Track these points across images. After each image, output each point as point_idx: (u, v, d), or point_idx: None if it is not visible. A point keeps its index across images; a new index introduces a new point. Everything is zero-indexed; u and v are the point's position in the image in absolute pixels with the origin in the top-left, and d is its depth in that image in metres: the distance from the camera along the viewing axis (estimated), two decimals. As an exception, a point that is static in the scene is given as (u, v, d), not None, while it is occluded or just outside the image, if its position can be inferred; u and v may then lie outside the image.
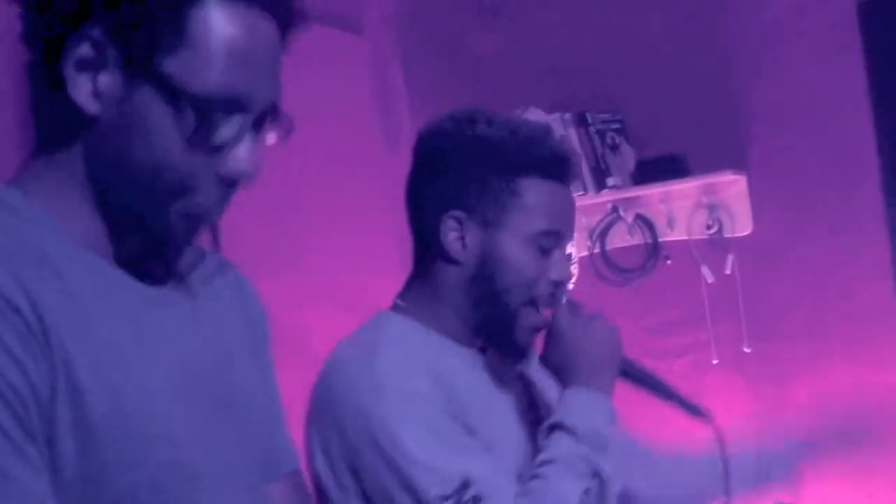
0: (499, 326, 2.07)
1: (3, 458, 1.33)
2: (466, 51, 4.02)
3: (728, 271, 3.79)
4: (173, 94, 1.41)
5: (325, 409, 2.04)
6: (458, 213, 2.06)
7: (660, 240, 3.90)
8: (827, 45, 3.65)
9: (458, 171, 2.08)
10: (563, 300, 2.07)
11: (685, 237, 3.87)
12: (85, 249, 1.46)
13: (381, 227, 4.02)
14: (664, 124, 3.80)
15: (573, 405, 2.01)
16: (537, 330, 2.07)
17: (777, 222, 3.75)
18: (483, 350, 2.11)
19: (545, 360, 2.09)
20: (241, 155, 1.45)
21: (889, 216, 3.50)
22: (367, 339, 2.11)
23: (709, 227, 3.81)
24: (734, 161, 3.75)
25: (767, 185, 3.75)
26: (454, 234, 2.06)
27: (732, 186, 3.79)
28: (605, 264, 3.96)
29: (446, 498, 1.91)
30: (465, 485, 1.92)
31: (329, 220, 3.71)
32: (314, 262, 3.64)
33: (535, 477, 1.98)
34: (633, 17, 3.87)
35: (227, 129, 1.44)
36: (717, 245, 3.81)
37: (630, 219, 3.90)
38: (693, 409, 2.18)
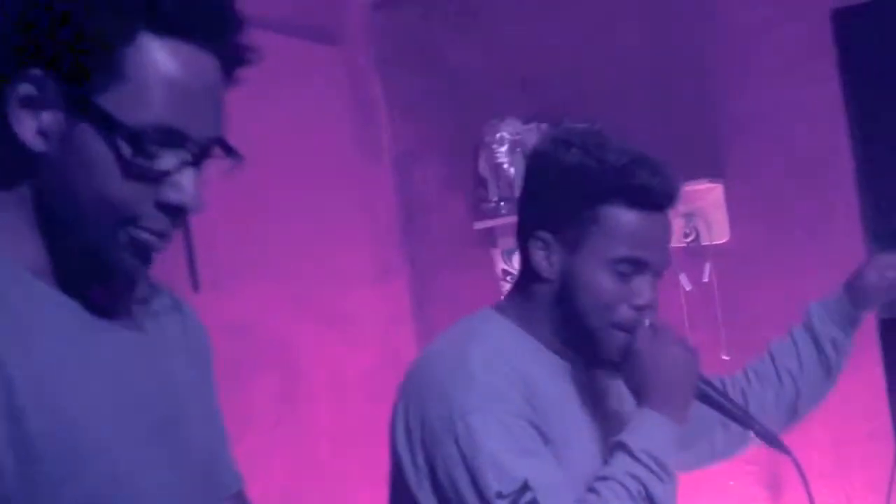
0: (584, 344, 2.15)
1: None
2: (443, 63, 4.05)
3: (706, 279, 3.81)
4: (110, 129, 1.45)
5: (414, 390, 2.14)
6: (545, 234, 2.13)
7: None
8: (802, 53, 3.66)
9: (548, 193, 2.17)
10: (647, 323, 2.11)
11: None
12: (33, 277, 1.50)
13: (358, 239, 4.03)
14: (641, 133, 3.79)
15: (638, 426, 2.07)
16: (623, 350, 2.11)
17: (754, 230, 3.76)
18: (573, 361, 2.17)
19: (626, 379, 2.14)
20: (179, 185, 1.48)
21: (864, 222, 3.51)
22: (465, 331, 2.21)
23: (686, 236, 3.81)
24: (710, 169, 3.77)
25: (744, 193, 3.76)
26: (542, 254, 2.14)
27: (709, 194, 3.80)
28: None
29: (504, 496, 1.98)
30: (525, 487, 1.99)
31: (307, 233, 3.72)
32: (292, 275, 3.64)
33: (590, 491, 2.04)
34: (608, 26, 3.90)
35: (165, 161, 1.47)
36: (694, 253, 3.81)
37: None
38: (770, 439, 2.22)
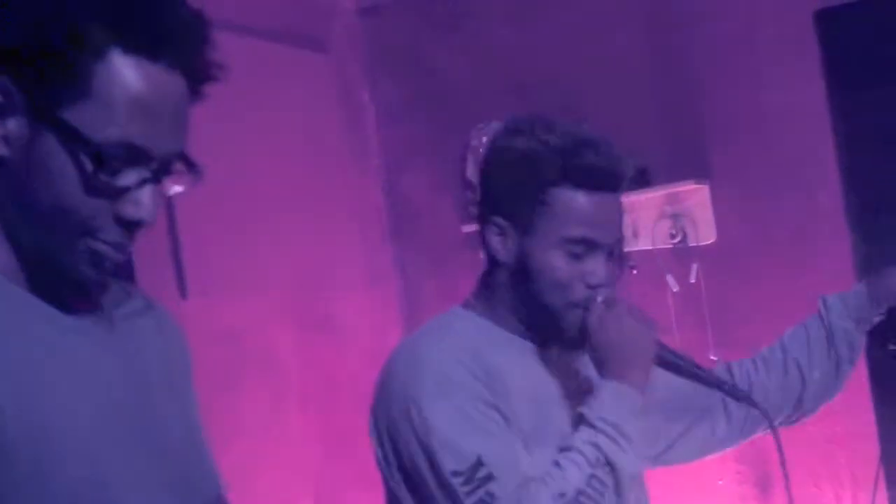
0: (545, 324, 2.21)
1: None
2: (431, 68, 4.06)
3: (693, 280, 3.82)
4: (73, 142, 1.47)
5: (379, 389, 2.23)
6: (499, 219, 2.19)
7: (625, 250, 3.86)
8: (786, 54, 3.69)
9: (501, 180, 2.23)
10: (599, 299, 2.15)
11: (650, 247, 3.89)
12: (3, 279, 1.53)
13: (348, 244, 4.05)
14: (626, 135, 3.81)
15: (597, 396, 2.14)
16: (581, 327, 2.17)
17: (740, 230, 3.78)
18: (538, 342, 2.23)
19: (589, 355, 2.20)
20: (138, 201, 1.51)
21: (849, 222, 3.54)
22: (425, 328, 2.30)
23: (673, 237, 3.84)
24: (696, 170, 3.79)
25: (730, 194, 3.78)
26: (497, 239, 2.20)
27: (695, 195, 3.82)
28: None
29: (460, 474, 2.07)
30: (478, 464, 2.07)
31: (296, 239, 3.73)
32: (281, 282, 3.66)
33: (553, 464, 2.11)
34: (595, 31, 3.91)
35: (126, 177, 1.50)
36: (681, 254, 3.84)
37: None
38: (736, 393, 2.29)
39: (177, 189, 1.57)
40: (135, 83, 1.49)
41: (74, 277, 1.55)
